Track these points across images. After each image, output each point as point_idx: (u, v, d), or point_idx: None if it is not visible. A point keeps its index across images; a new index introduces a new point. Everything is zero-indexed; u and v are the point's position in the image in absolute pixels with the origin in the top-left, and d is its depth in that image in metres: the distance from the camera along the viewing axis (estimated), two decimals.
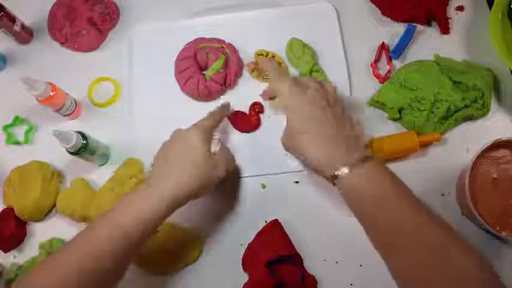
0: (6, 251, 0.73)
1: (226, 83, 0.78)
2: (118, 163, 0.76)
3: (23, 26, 0.83)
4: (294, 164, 0.74)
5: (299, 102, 0.61)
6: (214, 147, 0.65)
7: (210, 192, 0.67)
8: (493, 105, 0.74)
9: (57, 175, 0.76)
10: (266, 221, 0.71)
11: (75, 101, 0.78)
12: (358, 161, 0.56)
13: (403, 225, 0.52)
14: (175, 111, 0.78)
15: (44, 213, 0.74)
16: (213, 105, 0.78)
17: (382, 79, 0.77)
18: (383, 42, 0.79)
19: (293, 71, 0.79)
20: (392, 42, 0.79)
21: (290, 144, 0.62)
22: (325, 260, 0.69)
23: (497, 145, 0.64)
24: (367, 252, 0.68)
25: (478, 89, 0.71)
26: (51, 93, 0.72)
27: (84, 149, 0.69)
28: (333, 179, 0.57)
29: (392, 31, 0.80)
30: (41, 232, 0.74)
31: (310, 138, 0.59)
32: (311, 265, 0.69)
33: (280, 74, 0.68)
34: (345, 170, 0.55)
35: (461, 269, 0.48)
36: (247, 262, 0.69)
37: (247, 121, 0.76)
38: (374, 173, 0.56)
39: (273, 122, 0.76)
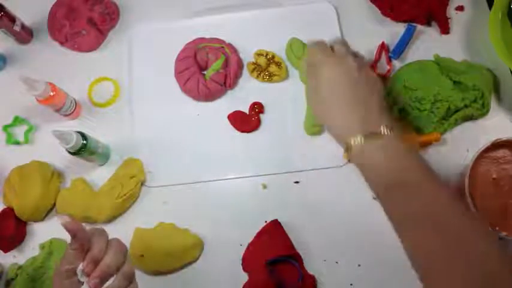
0: (6, 251, 0.73)
1: (226, 83, 0.78)
2: (118, 163, 0.76)
3: (23, 26, 0.83)
4: (294, 164, 0.74)
5: (336, 73, 0.60)
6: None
7: None
8: (493, 105, 0.74)
9: (57, 175, 0.76)
10: (266, 221, 0.71)
11: (75, 101, 0.78)
12: (373, 132, 0.56)
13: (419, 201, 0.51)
14: (175, 111, 0.78)
15: (44, 213, 0.74)
16: (213, 105, 0.79)
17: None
18: (383, 42, 0.79)
19: (293, 71, 0.79)
20: (392, 42, 0.79)
21: (320, 112, 0.62)
22: (325, 260, 0.69)
23: (497, 145, 0.64)
24: (367, 252, 0.69)
25: (478, 89, 0.71)
26: (51, 93, 0.72)
27: (84, 149, 0.69)
28: (348, 149, 0.57)
29: (393, 31, 0.80)
30: (41, 232, 0.74)
31: (337, 106, 0.59)
32: (311, 265, 0.69)
33: (321, 48, 0.65)
34: (357, 140, 0.55)
35: (479, 248, 0.47)
36: (247, 262, 0.69)
37: (247, 121, 0.76)
38: (388, 146, 0.55)
39: (273, 122, 0.76)
